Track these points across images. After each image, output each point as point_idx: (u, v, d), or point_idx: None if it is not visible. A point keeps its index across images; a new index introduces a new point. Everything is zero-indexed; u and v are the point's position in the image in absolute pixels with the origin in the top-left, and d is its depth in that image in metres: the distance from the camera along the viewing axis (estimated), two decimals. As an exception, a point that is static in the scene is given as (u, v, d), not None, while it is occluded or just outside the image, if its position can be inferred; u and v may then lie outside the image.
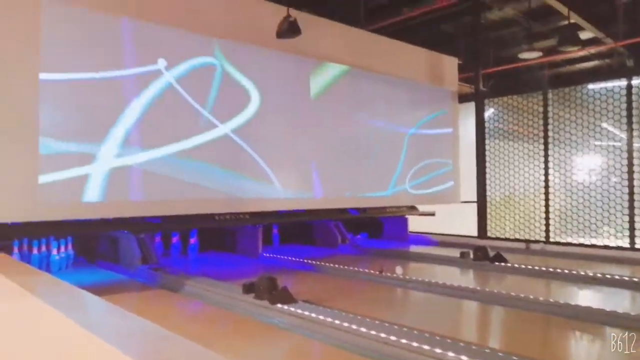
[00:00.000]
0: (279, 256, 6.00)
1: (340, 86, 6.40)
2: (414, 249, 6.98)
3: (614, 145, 6.32)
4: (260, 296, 3.49)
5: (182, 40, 4.97)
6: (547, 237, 6.84)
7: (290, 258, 5.80)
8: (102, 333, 1.80)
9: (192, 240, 5.98)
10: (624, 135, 6.17)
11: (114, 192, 4.44)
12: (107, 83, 4.46)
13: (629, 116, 6.07)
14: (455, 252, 5.79)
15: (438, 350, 2.53)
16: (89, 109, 4.37)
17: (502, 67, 8.80)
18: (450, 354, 2.48)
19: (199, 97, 5.06)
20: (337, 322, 3.01)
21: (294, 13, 5.11)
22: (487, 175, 7.60)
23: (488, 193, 7.58)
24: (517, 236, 7.21)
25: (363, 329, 2.86)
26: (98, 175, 4.36)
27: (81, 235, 5.36)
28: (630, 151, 6.09)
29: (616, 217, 6.20)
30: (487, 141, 7.59)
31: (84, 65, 4.34)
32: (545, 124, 6.89)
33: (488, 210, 7.59)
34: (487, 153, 7.57)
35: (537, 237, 6.93)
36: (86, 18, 4.38)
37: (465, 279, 5.07)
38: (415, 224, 8.28)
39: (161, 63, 4.81)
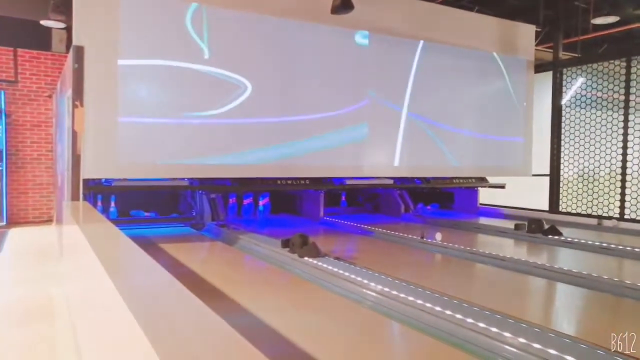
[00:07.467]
0: (337, 220, 6.41)
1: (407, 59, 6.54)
2: (472, 219, 6.93)
3: None
4: (293, 250, 3.95)
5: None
6: (622, 213, 6.46)
7: (344, 222, 6.18)
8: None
9: (261, 203, 6.61)
10: None
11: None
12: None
13: None
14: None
15: (449, 312, 2.50)
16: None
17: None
18: (456, 314, 2.46)
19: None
20: (352, 276, 3.36)
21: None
22: (564, 148, 7.29)
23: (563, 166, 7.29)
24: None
25: (372, 284, 3.16)
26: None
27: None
28: None
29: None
30: (573, 111, 7.25)
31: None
32: (627, 91, 6.41)
33: (563, 184, 7.32)
34: (571, 124, 7.24)
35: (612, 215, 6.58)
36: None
37: (514, 250, 5.09)
38: (491, 197, 8.18)
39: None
